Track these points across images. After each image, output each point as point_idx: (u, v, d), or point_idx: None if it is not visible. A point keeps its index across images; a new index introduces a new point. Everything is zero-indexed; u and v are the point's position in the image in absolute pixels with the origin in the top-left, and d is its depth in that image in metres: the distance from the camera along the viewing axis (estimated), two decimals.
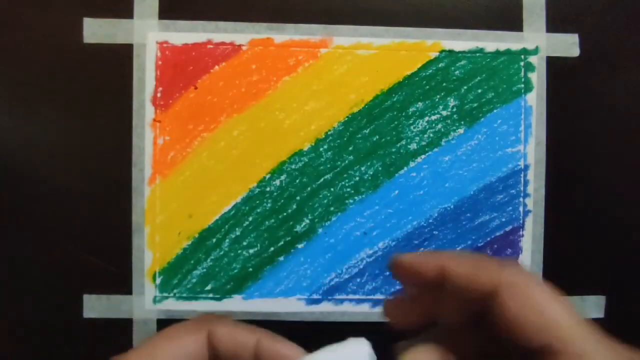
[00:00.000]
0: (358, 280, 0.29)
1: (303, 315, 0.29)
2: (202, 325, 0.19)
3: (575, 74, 0.30)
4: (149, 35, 0.29)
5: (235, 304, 0.29)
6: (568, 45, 0.30)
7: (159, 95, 0.29)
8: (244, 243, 0.29)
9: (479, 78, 0.30)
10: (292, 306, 0.29)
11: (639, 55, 0.31)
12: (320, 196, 0.29)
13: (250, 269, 0.29)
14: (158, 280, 0.29)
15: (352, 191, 0.29)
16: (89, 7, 0.29)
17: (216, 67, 0.29)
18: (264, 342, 0.19)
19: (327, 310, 0.29)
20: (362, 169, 0.29)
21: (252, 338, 0.19)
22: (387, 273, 0.29)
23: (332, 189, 0.29)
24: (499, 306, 0.15)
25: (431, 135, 0.30)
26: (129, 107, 0.29)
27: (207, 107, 0.29)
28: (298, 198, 0.29)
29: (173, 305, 0.29)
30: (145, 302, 0.29)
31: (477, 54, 0.30)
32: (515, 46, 0.30)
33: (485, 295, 0.16)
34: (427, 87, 0.30)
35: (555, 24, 0.30)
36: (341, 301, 0.29)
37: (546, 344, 0.15)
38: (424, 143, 0.30)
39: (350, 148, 0.29)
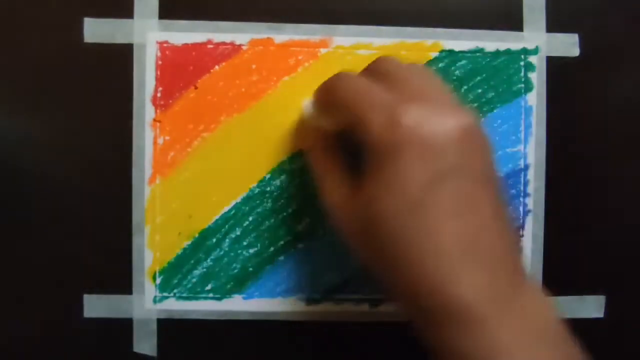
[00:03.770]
0: (358, 280, 0.29)
1: (303, 315, 0.29)
2: None
3: (575, 74, 0.30)
4: (149, 35, 0.29)
5: (235, 303, 0.29)
6: (568, 45, 0.30)
7: (159, 95, 0.29)
8: (244, 243, 0.29)
9: (479, 78, 0.30)
10: (292, 306, 0.29)
11: (639, 55, 0.31)
12: None
13: (250, 269, 0.29)
14: (158, 280, 0.29)
15: None
16: (89, 7, 0.29)
17: (216, 67, 0.29)
18: None
19: (327, 310, 0.29)
20: None
21: None
22: None
23: None
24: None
25: None
26: (129, 107, 0.29)
27: (207, 107, 0.29)
28: (298, 198, 0.29)
29: (173, 305, 0.29)
30: (145, 302, 0.29)
31: (477, 54, 0.30)
32: (515, 46, 0.30)
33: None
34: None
35: (555, 24, 0.30)
36: (341, 301, 0.29)
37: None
38: None
39: None
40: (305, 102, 0.26)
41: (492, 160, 0.22)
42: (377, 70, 0.23)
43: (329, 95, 0.24)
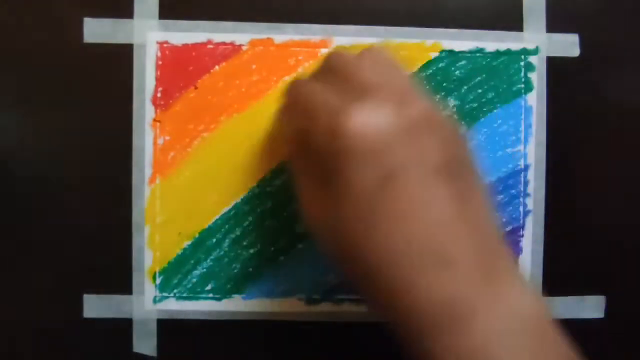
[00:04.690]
0: None
1: (303, 315, 0.29)
2: None
3: (575, 74, 0.30)
4: (149, 35, 0.29)
5: (235, 304, 0.29)
6: (568, 45, 0.30)
7: (159, 95, 0.29)
8: (244, 243, 0.29)
9: (479, 78, 0.30)
10: (292, 306, 0.29)
11: (639, 55, 0.31)
12: None
13: (250, 269, 0.29)
14: (158, 280, 0.29)
15: None
16: (89, 7, 0.29)
17: (216, 67, 0.29)
18: None
19: (327, 310, 0.29)
20: None
21: None
22: None
23: None
24: None
25: None
26: (129, 107, 0.29)
27: (207, 107, 0.29)
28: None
29: (173, 305, 0.29)
30: (145, 302, 0.29)
31: (477, 54, 0.30)
32: (515, 46, 0.30)
33: None
34: (427, 87, 0.30)
35: (555, 24, 0.30)
36: (341, 301, 0.29)
37: None
38: None
39: None
40: (274, 111, 0.26)
41: (454, 148, 0.20)
42: (327, 67, 0.22)
43: (284, 105, 0.23)
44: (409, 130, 0.19)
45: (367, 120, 0.19)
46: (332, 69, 0.22)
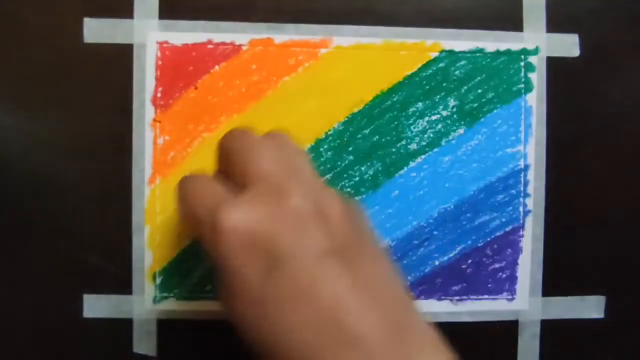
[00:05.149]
0: None
1: None
2: None
3: (575, 74, 0.30)
4: (149, 35, 0.29)
5: None
6: (568, 45, 0.30)
7: (159, 95, 0.29)
8: None
9: (479, 78, 0.30)
10: None
11: (639, 55, 0.31)
12: None
13: None
14: (158, 280, 0.29)
15: (352, 191, 0.29)
16: (89, 7, 0.29)
17: (216, 67, 0.29)
18: None
19: None
20: (362, 169, 0.29)
21: None
22: None
23: None
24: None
25: (431, 135, 0.30)
26: (129, 107, 0.29)
27: (207, 107, 0.29)
28: None
29: (173, 305, 0.29)
30: (145, 302, 0.29)
31: (477, 54, 0.30)
32: (515, 46, 0.30)
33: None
34: (427, 87, 0.30)
35: (555, 24, 0.30)
36: None
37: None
38: (424, 143, 0.30)
39: (350, 148, 0.29)
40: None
41: (343, 229, 0.20)
42: (224, 149, 0.22)
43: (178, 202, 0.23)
44: (293, 220, 0.19)
45: (242, 215, 0.19)
46: (228, 151, 0.22)
